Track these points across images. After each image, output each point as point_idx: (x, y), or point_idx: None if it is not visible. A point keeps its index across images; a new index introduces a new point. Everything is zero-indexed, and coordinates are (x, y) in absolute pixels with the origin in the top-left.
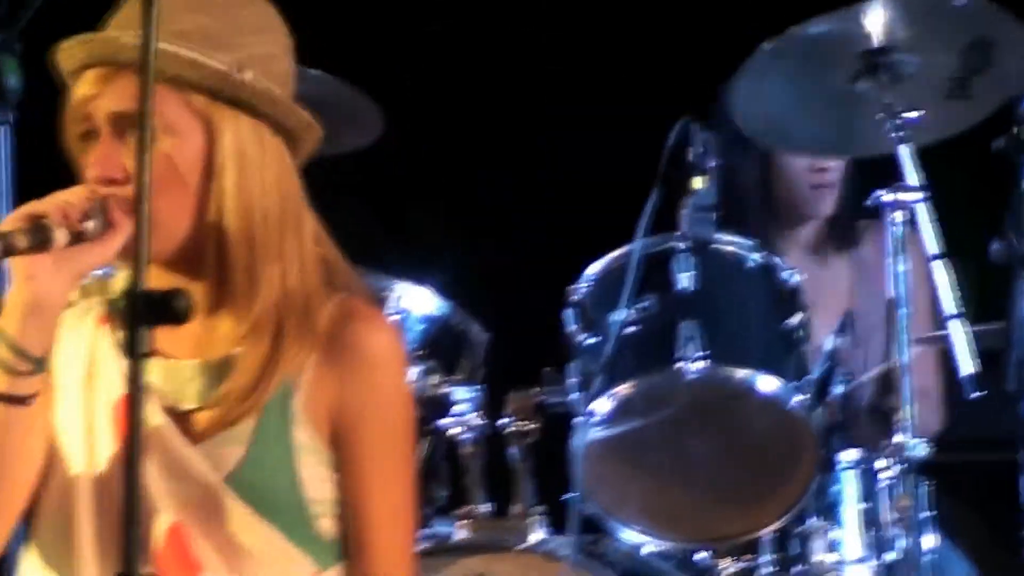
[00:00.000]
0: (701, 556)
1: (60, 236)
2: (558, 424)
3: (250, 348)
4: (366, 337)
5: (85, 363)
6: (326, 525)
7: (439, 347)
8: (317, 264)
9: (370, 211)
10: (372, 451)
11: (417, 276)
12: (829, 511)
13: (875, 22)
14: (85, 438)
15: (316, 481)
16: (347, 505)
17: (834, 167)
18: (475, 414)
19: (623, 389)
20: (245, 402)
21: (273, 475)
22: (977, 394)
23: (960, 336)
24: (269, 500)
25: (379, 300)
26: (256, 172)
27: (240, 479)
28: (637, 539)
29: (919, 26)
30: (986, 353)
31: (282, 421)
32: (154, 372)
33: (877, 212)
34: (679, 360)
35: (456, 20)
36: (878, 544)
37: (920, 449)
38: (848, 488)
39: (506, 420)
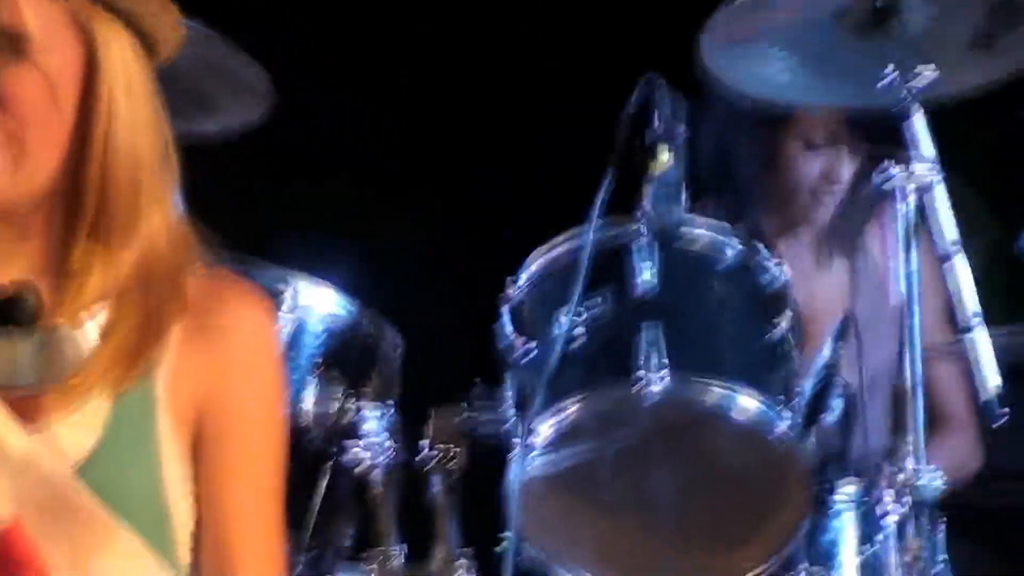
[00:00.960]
0: None
1: None
2: (489, 452)
3: (115, 312)
4: (240, 315)
5: None
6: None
7: (344, 357)
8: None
9: (261, 193)
10: (239, 453)
11: (318, 270)
12: (823, 558)
13: None
14: None
15: (178, 480)
16: (204, 520)
17: (846, 178)
18: (388, 439)
19: (569, 409)
20: (104, 379)
21: (131, 468)
22: (1002, 416)
23: (982, 345)
24: (125, 497)
25: (270, 298)
26: (142, 98)
27: (92, 472)
28: None
29: None
30: (1014, 366)
31: (143, 405)
32: None
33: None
34: (638, 374)
35: None
36: None
37: (933, 483)
38: (846, 530)
39: (426, 447)
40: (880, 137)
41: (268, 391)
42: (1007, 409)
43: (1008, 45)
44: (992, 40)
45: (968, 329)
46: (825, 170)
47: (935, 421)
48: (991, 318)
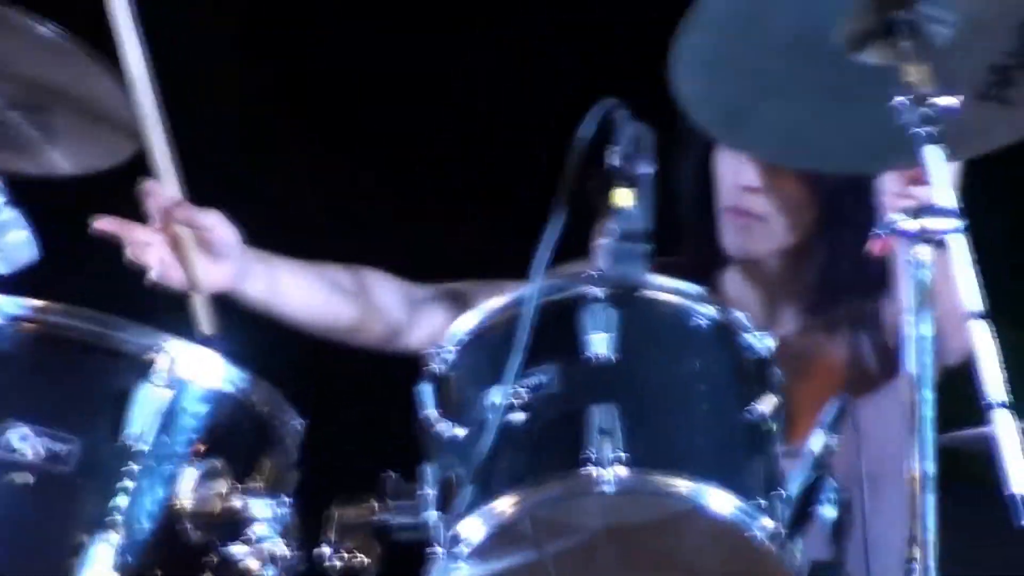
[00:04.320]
0: None
1: None
2: (406, 556)
3: None
4: None
5: None
6: None
7: (232, 439)
8: None
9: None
10: None
11: (199, 333)
12: None
13: None
14: None
15: None
16: None
17: (765, 195)
18: (283, 540)
19: (504, 506)
20: None
21: None
22: None
23: (1008, 434)
24: None
25: (142, 364)
26: None
27: None
28: None
29: None
30: None
31: None
32: None
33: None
34: (589, 463)
35: None
36: None
37: None
38: None
39: (327, 549)
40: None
41: None
42: None
43: None
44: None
45: (990, 411)
46: (737, 170)
47: None
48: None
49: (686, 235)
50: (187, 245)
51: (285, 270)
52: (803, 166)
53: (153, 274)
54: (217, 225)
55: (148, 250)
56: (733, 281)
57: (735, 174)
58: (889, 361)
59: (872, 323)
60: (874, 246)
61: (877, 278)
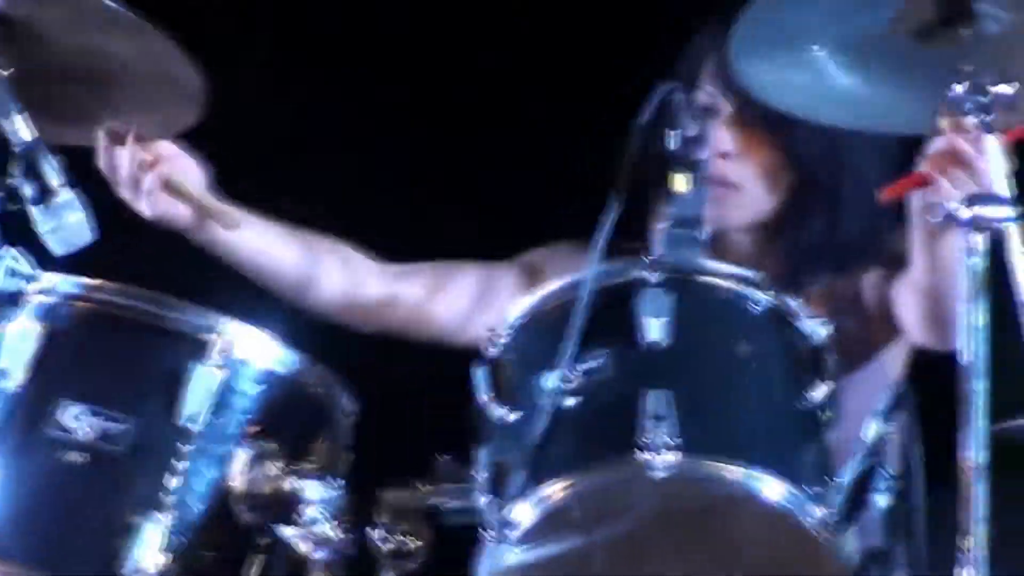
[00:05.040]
0: None
1: None
2: (457, 540)
3: None
4: None
5: None
6: None
7: (284, 420)
8: None
9: None
10: None
11: (256, 315)
12: None
13: None
14: None
15: None
16: None
17: (740, 162)
18: (334, 522)
19: (556, 491)
20: None
21: None
22: None
23: None
24: None
25: (197, 344)
26: None
27: None
28: None
29: None
30: None
31: None
32: None
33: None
34: (641, 449)
35: None
36: None
37: None
38: None
39: (379, 531)
40: None
41: None
42: None
43: None
44: None
45: None
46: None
47: None
48: None
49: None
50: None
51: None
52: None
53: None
54: (177, 157)
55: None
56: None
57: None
58: (871, 339)
59: (851, 303)
60: (885, 193)
61: (855, 252)
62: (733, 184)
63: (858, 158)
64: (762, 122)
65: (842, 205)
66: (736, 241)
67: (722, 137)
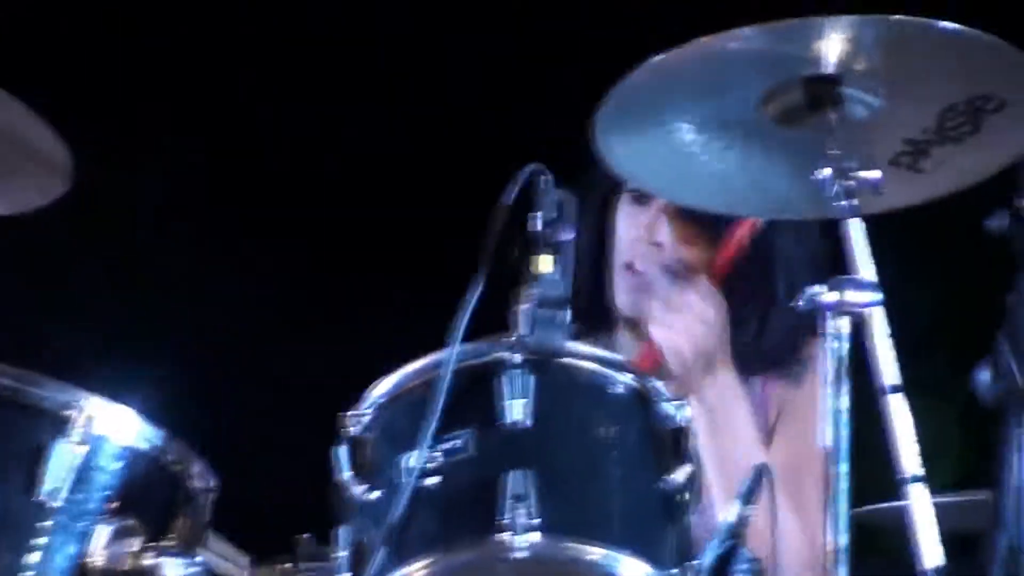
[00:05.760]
0: None
1: None
2: None
3: None
4: None
5: None
6: None
7: (144, 497)
8: None
9: (48, 292)
10: None
11: (116, 390)
12: None
13: (830, 45)
14: None
15: None
16: None
17: (670, 253)
18: None
19: (416, 570)
20: None
21: None
22: None
23: (921, 510)
24: None
25: (58, 420)
26: None
27: None
28: None
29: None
30: (959, 537)
31: None
32: None
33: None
34: (502, 530)
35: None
36: None
37: None
38: None
39: None
40: None
41: None
42: None
43: (945, 157)
44: (925, 154)
45: (904, 487)
46: (648, 224)
47: None
48: (936, 483)
49: (579, 294)
50: None
51: None
52: (738, 212)
53: None
54: None
55: None
56: (623, 341)
57: (644, 227)
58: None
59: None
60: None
61: (776, 352)
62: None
63: (787, 257)
64: (700, 216)
65: (772, 309)
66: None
67: (659, 227)
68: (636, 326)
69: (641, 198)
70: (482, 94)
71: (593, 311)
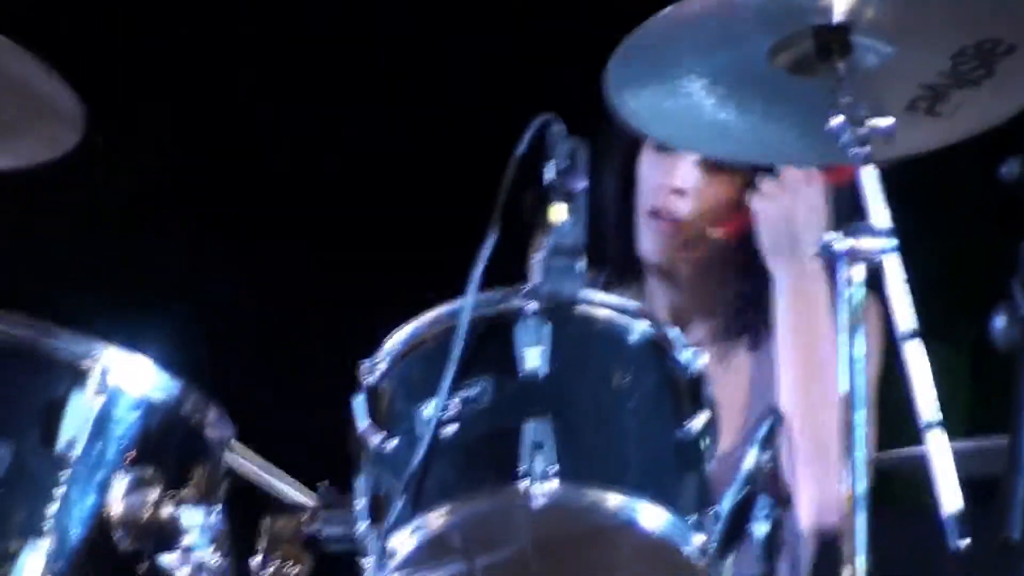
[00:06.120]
0: None
1: None
2: (337, 567)
3: None
4: None
5: None
6: None
7: (161, 447)
8: None
9: (63, 244)
10: None
11: (134, 340)
12: None
13: None
14: None
15: None
16: None
17: (692, 199)
18: (211, 549)
19: (436, 518)
20: None
21: None
22: (964, 543)
23: (940, 456)
24: None
25: (76, 371)
26: None
27: None
28: None
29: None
30: (979, 482)
31: None
32: None
33: None
34: (520, 478)
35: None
36: None
37: None
38: None
39: (259, 559)
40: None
41: None
42: (967, 538)
43: (961, 103)
44: (943, 99)
45: (923, 434)
46: (667, 171)
47: None
48: (951, 429)
49: (607, 245)
50: None
51: None
52: (745, 159)
53: None
54: None
55: None
56: (652, 289)
57: (666, 175)
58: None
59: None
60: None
61: None
62: (678, 219)
63: None
64: (727, 164)
65: None
66: (684, 273)
67: (684, 175)
68: (667, 274)
69: (664, 146)
70: (482, 94)
71: (622, 261)
